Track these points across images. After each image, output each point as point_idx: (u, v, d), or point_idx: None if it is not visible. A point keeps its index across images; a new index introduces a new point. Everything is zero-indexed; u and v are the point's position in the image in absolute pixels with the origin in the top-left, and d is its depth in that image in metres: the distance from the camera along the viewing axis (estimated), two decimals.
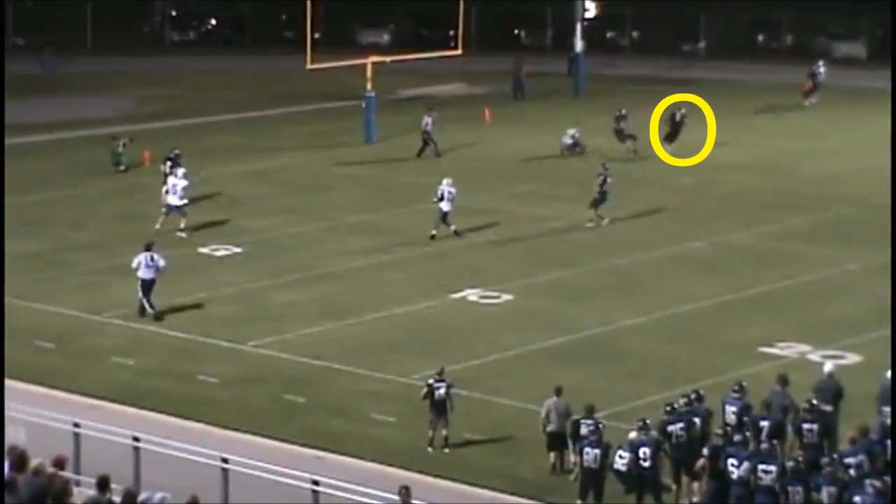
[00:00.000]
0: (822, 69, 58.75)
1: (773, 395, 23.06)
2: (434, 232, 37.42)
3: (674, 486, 22.22)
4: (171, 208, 37.84)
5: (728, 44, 74.38)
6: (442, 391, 24.40)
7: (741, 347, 29.16)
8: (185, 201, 37.97)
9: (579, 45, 63.02)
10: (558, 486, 22.58)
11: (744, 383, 23.24)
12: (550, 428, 23.50)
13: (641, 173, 45.67)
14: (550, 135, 50.45)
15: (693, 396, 22.67)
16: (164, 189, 38.66)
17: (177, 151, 40.94)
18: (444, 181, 37.95)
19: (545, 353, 28.85)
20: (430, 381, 24.63)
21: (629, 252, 36.53)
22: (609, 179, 38.76)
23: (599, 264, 35.55)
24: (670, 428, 22.07)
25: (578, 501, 21.88)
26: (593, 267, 35.38)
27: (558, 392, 23.83)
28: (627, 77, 66.63)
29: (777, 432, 22.04)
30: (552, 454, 23.54)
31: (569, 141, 48.18)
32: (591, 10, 63.09)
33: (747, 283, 33.66)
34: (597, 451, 21.71)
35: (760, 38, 76.24)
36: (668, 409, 22.41)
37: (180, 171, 38.67)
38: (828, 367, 24.56)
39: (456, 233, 37.50)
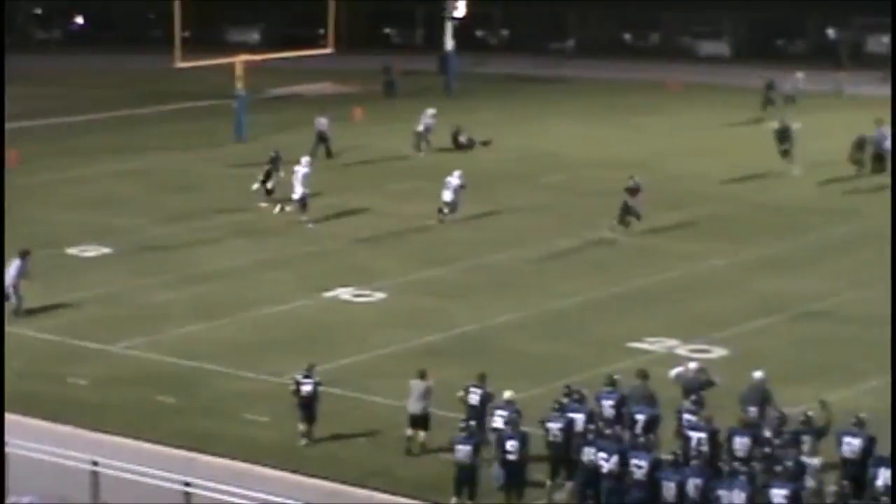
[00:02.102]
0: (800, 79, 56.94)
1: (634, 389, 23.34)
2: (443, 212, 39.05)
3: (548, 483, 22.42)
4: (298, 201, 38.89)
5: (596, 42, 75.13)
6: (308, 388, 24.45)
7: (611, 343, 29.47)
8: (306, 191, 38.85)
9: (449, 43, 63.28)
10: (434, 484, 22.64)
11: (616, 377, 23.49)
12: (409, 409, 23.87)
13: (513, 170, 46.03)
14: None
15: (576, 397, 22.82)
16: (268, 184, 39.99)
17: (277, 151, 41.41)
18: (456, 173, 39.16)
19: (418, 351, 28.91)
20: (297, 376, 24.71)
21: (501, 250, 36.75)
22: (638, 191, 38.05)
23: (472, 262, 35.72)
24: (549, 425, 22.24)
25: (453, 500, 21.98)
26: (466, 265, 35.53)
27: (422, 375, 24.15)
28: (497, 75, 67.05)
29: (652, 426, 22.28)
30: (408, 431, 23.97)
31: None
32: (461, 9, 63.34)
33: (617, 280, 34.04)
34: (468, 446, 21.78)
35: (627, 36, 77.10)
36: (555, 406, 22.60)
37: (304, 159, 39.55)
38: (694, 363, 24.65)
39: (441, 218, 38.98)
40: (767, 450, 21.00)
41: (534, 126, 54.11)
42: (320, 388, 24.59)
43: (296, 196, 38.91)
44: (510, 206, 41.03)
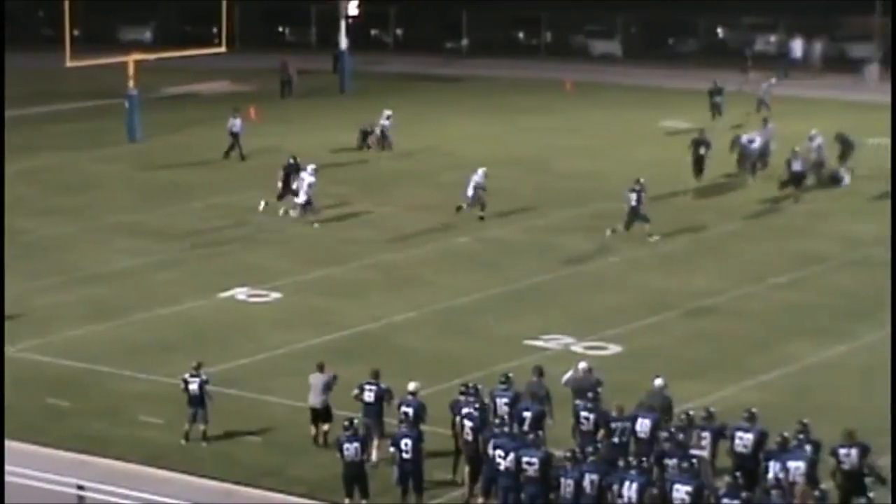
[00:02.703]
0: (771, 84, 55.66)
1: (529, 385, 23.50)
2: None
3: (455, 478, 22.52)
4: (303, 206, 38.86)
5: (490, 41, 75.41)
6: (194, 386, 24.40)
7: (508, 340, 29.64)
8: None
9: (344, 42, 63.20)
10: (328, 484, 22.64)
11: (510, 374, 23.63)
12: (310, 403, 23.94)
13: (407, 170, 46.11)
14: (320, 132, 50.50)
15: (472, 393, 22.92)
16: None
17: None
18: (480, 170, 39.42)
19: (315, 351, 28.85)
20: (186, 375, 24.65)
21: (397, 248, 36.83)
22: (643, 195, 37.27)
23: (368, 261, 35.74)
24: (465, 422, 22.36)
25: (346, 501, 21.99)
26: (362, 263, 35.55)
27: (321, 368, 24.24)
28: (392, 74, 67.08)
29: (539, 422, 22.43)
30: (312, 427, 24.06)
31: (378, 130, 48.52)
32: (354, 8, 63.29)
33: (513, 277, 34.23)
34: (354, 444, 21.81)
35: (521, 35, 77.47)
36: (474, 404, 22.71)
37: (310, 167, 39.26)
38: (583, 364, 24.81)
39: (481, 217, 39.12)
40: (667, 445, 21.22)
41: (429, 125, 54.22)
42: (208, 387, 24.52)
43: (300, 200, 38.79)
44: (406, 205, 41.09)
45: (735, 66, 66.37)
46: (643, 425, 21.95)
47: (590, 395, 22.76)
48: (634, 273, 34.65)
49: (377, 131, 48.52)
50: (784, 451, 20.82)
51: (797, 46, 66.20)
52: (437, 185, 43.84)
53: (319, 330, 30.39)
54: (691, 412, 22.20)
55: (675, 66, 69.28)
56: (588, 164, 46.97)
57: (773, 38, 70.77)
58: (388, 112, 48.85)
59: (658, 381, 23.19)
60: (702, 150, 42.63)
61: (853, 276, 34.33)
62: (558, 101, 59.76)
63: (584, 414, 22.51)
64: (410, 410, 22.48)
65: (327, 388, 24.19)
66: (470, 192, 39.22)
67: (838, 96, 59.40)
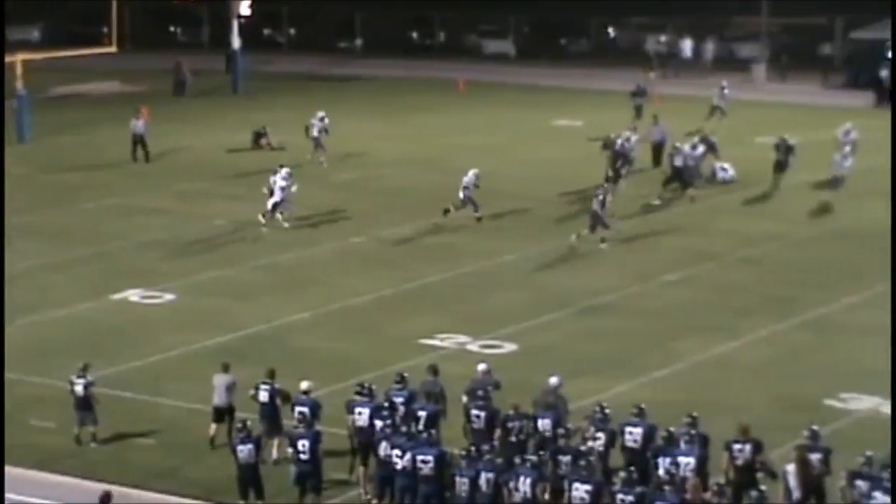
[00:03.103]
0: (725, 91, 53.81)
1: (423, 385, 23.56)
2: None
3: (351, 478, 22.52)
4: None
5: (383, 41, 75.45)
6: (80, 388, 24.22)
7: (403, 340, 29.69)
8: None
9: (236, 42, 62.88)
10: (223, 486, 22.55)
11: (406, 374, 23.68)
12: (214, 402, 23.95)
13: (304, 170, 45.96)
14: (214, 133, 50.21)
15: (367, 393, 22.94)
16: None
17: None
18: (471, 172, 39.46)
19: (209, 353, 28.73)
20: (72, 377, 24.44)
21: (292, 249, 36.73)
22: (608, 198, 36.97)
23: (262, 261, 35.62)
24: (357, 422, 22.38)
25: (240, 502, 21.92)
26: (256, 264, 35.43)
27: (225, 369, 24.25)
28: (285, 74, 66.88)
29: (434, 421, 22.50)
30: (213, 426, 24.04)
31: (315, 133, 46.82)
32: (246, 8, 62.98)
33: (408, 277, 34.29)
34: (248, 446, 21.76)
35: (414, 35, 77.59)
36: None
37: (283, 171, 38.69)
38: (482, 365, 24.85)
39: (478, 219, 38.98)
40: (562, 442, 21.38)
41: None
42: (93, 389, 24.32)
43: (270, 202, 38.14)
44: (300, 205, 40.97)
45: (626, 65, 67.07)
46: (544, 424, 22.07)
47: (479, 392, 22.83)
48: (529, 272, 34.85)
49: (312, 134, 46.68)
50: (672, 446, 21.07)
51: (687, 46, 66.95)
52: (330, 185, 43.78)
53: (213, 331, 30.23)
54: (605, 407, 22.30)
55: (567, 65, 69.76)
56: (482, 163, 46.96)
57: (663, 38, 71.52)
58: (321, 114, 47.05)
59: (553, 380, 23.32)
60: (677, 161, 41.85)
61: (743, 272, 34.79)
62: (452, 100, 59.93)
63: (474, 412, 22.59)
64: (306, 409, 22.46)
65: (231, 388, 24.07)
66: (461, 194, 38.76)
67: (727, 95, 60.05)
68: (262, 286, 33.71)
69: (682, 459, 20.76)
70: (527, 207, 40.80)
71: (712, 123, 49.56)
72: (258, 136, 48.98)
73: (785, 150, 42.17)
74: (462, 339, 29.86)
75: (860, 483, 19.90)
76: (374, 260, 36.11)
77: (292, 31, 77.75)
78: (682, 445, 20.95)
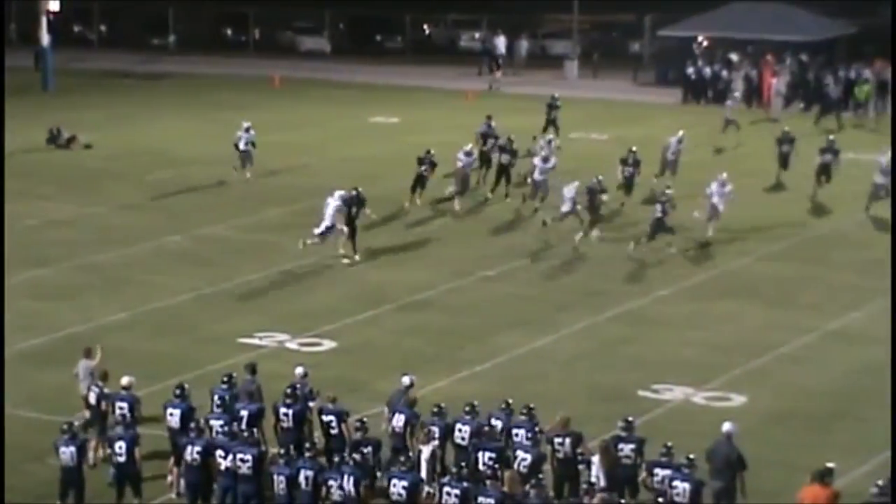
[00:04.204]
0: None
1: (243, 383, 23.48)
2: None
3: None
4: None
5: (197, 38, 74.83)
6: None
7: (222, 339, 29.54)
8: None
9: (45, 38, 61.79)
10: (43, 490, 22.23)
11: (234, 374, 23.56)
12: (82, 392, 23.78)
13: (117, 168, 45.43)
14: (23, 130, 49.28)
15: (178, 394, 22.78)
16: None
17: None
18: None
19: (24, 355, 28.28)
20: None
21: (107, 248, 36.27)
22: (604, 197, 36.88)
23: (77, 262, 35.12)
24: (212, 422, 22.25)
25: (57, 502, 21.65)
26: (71, 264, 34.91)
27: (88, 354, 24.34)
28: (97, 71, 65.95)
29: (256, 420, 22.43)
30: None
31: (242, 145, 43.62)
32: (55, 4, 61.88)
33: (226, 275, 34.11)
34: (71, 448, 21.48)
35: (229, 32, 77.10)
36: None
37: (337, 192, 35.65)
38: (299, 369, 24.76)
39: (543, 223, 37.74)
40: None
41: (137, 123, 53.52)
42: None
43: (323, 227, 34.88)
44: (115, 205, 40.52)
45: (442, 62, 67.62)
46: (398, 420, 22.18)
47: (287, 391, 22.83)
48: (348, 269, 34.92)
49: (239, 146, 43.13)
50: (494, 441, 21.37)
51: (501, 43, 67.64)
52: (143, 185, 43.34)
53: (29, 333, 29.73)
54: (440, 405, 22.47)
55: (383, 62, 69.97)
56: (299, 160, 47.08)
57: (477, 35, 72.19)
58: (246, 124, 43.86)
59: (405, 379, 23.30)
60: (503, 159, 41.45)
61: (560, 268, 35.31)
62: (267, 97, 59.69)
63: (283, 411, 22.58)
64: (125, 405, 22.29)
65: (91, 374, 23.71)
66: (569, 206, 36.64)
67: (540, 92, 60.87)
68: (78, 286, 33.24)
69: (522, 454, 21.09)
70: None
71: (728, 137, 48.86)
72: (53, 134, 48.02)
73: (790, 143, 42.34)
74: (281, 337, 29.82)
75: (660, 472, 20.41)
76: (192, 259, 35.85)
77: (103, 27, 76.66)
78: (524, 441, 21.25)
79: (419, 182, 40.43)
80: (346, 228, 35.06)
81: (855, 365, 28.43)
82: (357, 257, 35.08)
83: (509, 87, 62.42)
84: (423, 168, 40.28)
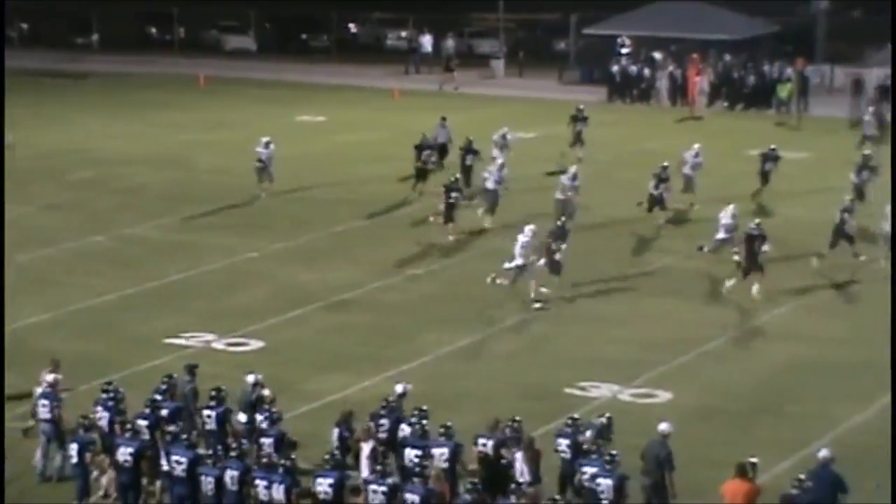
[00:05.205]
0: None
1: (178, 383, 23.36)
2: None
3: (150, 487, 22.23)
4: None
5: (120, 37, 74.30)
6: None
7: (147, 340, 29.35)
8: None
9: None
10: None
11: (174, 375, 23.40)
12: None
13: (40, 168, 45.02)
14: None
15: (111, 396, 22.63)
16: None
17: None
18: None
19: None
20: None
21: (29, 249, 35.92)
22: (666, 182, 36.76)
23: None
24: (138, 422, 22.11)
25: None
26: None
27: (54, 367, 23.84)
28: (19, 70, 65.23)
29: (175, 418, 22.31)
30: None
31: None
32: None
33: (151, 276, 33.88)
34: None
35: (153, 30, 76.62)
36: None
37: (528, 228, 32.55)
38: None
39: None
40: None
41: (60, 122, 53.08)
42: None
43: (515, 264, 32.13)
44: (38, 205, 40.15)
45: (368, 61, 67.57)
46: (335, 435, 22.09)
47: (212, 393, 22.69)
48: (274, 268, 34.80)
49: (262, 159, 41.07)
50: (424, 438, 21.39)
51: (427, 41, 67.68)
52: (67, 184, 42.99)
53: None
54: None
55: (310, 61, 69.78)
56: (226, 160, 46.84)
57: (403, 34, 72.19)
58: (266, 139, 41.92)
59: (398, 388, 23.13)
60: (468, 161, 40.98)
61: (488, 265, 35.28)
62: (193, 96, 59.39)
63: (206, 413, 22.48)
64: (47, 402, 22.11)
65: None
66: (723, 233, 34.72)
67: (467, 90, 61.05)
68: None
69: (436, 451, 21.10)
70: (270, 204, 40.69)
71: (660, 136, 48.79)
72: None
73: (773, 160, 40.61)
74: (207, 337, 29.67)
75: (587, 469, 20.52)
76: (116, 259, 35.58)
77: (25, 25, 75.93)
78: (436, 438, 21.28)
79: (421, 175, 40.51)
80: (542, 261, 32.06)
81: (778, 361, 28.68)
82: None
83: (434, 84, 62.42)
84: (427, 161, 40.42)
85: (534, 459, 21.01)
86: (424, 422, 21.51)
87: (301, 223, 38.31)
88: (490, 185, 38.03)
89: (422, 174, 40.93)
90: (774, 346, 29.58)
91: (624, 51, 60.03)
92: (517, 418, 21.85)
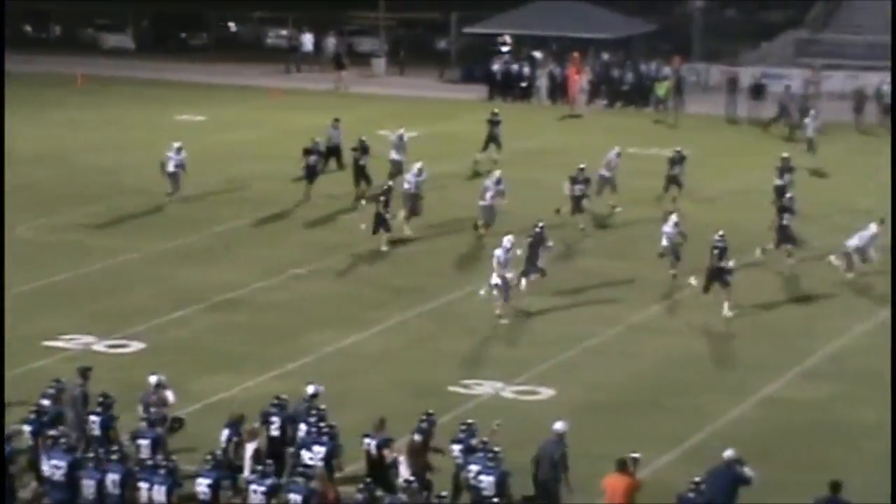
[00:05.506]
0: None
1: (67, 387, 23.03)
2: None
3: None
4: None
5: None
6: None
7: (26, 342, 28.92)
8: None
9: None
10: None
11: (61, 379, 23.16)
12: None
13: None
14: None
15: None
16: None
17: None
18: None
19: None
20: None
21: None
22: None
23: None
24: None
25: None
26: None
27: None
28: None
29: (57, 423, 22.11)
30: None
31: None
32: None
33: (28, 277, 33.40)
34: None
35: (29, 28, 75.60)
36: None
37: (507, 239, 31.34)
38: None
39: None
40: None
41: None
42: None
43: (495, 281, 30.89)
44: None
45: (248, 60, 67.28)
46: (225, 436, 21.96)
47: (99, 399, 22.55)
48: (156, 269, 34.53)
49: (168, 167, 40.04)
50: (308, 437, 21.44)
51: (308, 40, 67.54)
52: None
53: None
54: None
55: (189, 59, 69.29)
56: (105, 158, 46.42)
57: (284, 32, 71.98)
58: (177, 145, 40.73)
59: (310, 388, 22.99)
60: (361, 161, 40.49)
61: (370, 266, 35.39)
62: (70, 95, 58.72)
63: (92, 418, 22.34)
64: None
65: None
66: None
67: (349, 89, 61.01)
68: None
69: (316, 449, 21.13)
70: (151, 203, 40.35)
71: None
72: None
73: (680, 163, 40.08)
74: (87, 339, 29.37)
75: (472, 467, 20.67)
76: None
77: None
78: (316, 436, 21.31)
79: (309, 177, 40.09)
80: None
81: (659, 356, 29.06)
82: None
83: (315, 83, 62.31)
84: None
85: (414, 460, 21.03)
86: (322, 424, 21.50)
87: (183, 223, 38.06)
88: (410, 188, 37.37)
89: (310, 175, 40.64)
90: (655, 341, 29.94)
91: (504, 49, 60.42)
92: (430, 412, 21.98)
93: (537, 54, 60.58)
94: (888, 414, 25.03)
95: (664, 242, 33.31)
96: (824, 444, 24.65)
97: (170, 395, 23.12)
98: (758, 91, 54.65)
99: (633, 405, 26.47)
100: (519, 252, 31.64)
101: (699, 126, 52.74)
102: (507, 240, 31.04)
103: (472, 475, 20.57)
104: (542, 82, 58.92)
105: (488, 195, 36.81)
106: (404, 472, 21.00)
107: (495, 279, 30.69)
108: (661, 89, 56.17)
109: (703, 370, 28.35)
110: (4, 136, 43.43)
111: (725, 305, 31.18)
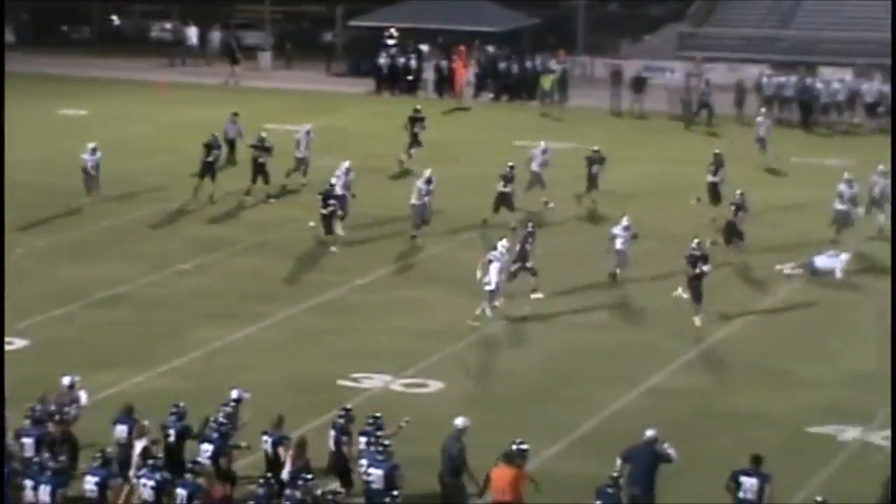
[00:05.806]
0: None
1: None
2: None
3: None
4: None
5: None
6: None
7: None
8: None
9: None
10: None
11: None
12: None
13: None
14: None
15: None
16: None
17: None
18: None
19: None
20: None
21: None
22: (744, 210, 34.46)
23: None
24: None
25: None
26: None
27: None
28: None
29: None
30: None
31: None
32: None
33: None
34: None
35: None
36: None
37: (500, 243, 30.76)
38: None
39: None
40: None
41: None
42: None
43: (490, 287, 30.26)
44: None
45: (132, 53, 66.64)
46: (121, 431, 21.81)
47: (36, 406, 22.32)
48: (39, 265, 34.10)
49: (87, 169, 39.26)
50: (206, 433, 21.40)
51: (193, 34, 67.01)
52: None
53: None
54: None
55: (71, 53, 68.42)
56: None
57: (168, 26, 71.37)
58: (92, 145, 39.93)
59: (234, 393, 22.76)
60: (261, 158, 39.85)
61: (258, 259, 35.23)
62: None
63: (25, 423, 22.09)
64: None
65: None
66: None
67: (239, 84, 60.62)
68: None
69: (202, 447, 21.04)
70: (34, 199, 39.79)
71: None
72: None
73: (599, 163, 39.73)
74: None
75: (363, 461, 20.68)
76: None
77: None
78: (209, 434, 21.24)
79: (206, 173, 39.42)
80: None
81: (554, 348, 29.22)
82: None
83: (200, 77, 61.87)
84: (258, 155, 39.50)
85: (298, 458, 20.98)
86: (218, 422, 21.42)
87: (67, 218, 37.58)
88: (338, 189, 36.61)
89: (208, 171, 40.00)
90: (543, 334, 30.11)
91: (391, 42, 60.43)
92: (347, 406, 21.94)
93: (424, 47, 60.65)
94: (770, 402, 25.40)
95: (618, 246, 32.92)
96: (712, 433, 24.95)
97: (83, 396, 22.92)
98: (639, 84, 55.13)
99: (522, 397, 26.60)
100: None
101: (584, 119, 53.11)
102: (501, 245, 30.54)
103: (362, 469, 20.57)
104: (429, 75, 58.99)
105: (421, 195, 36.23)
106: (288, 469, 20.90)
107: (492, 285, 30.16)
108: (547, 83, 56.45)
109: (590, 362, 28.55)
110: (4, 136, 42.56)
111: (697, 318, 30.26)
